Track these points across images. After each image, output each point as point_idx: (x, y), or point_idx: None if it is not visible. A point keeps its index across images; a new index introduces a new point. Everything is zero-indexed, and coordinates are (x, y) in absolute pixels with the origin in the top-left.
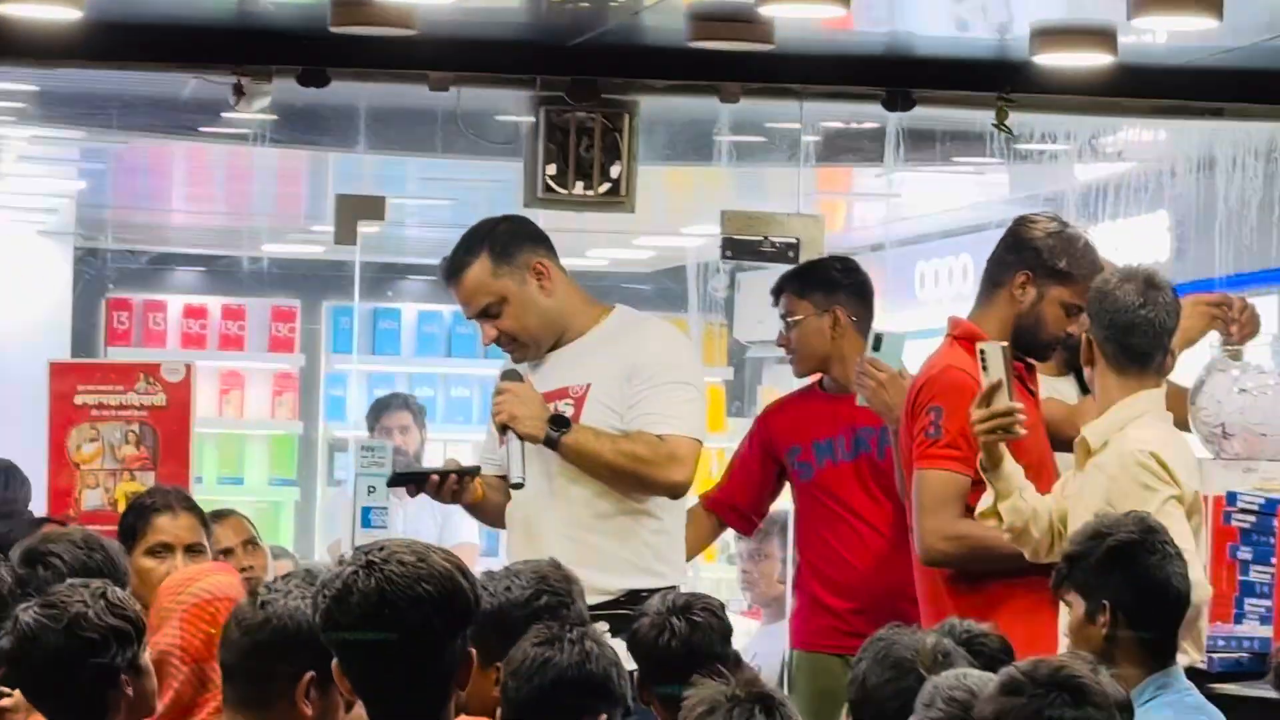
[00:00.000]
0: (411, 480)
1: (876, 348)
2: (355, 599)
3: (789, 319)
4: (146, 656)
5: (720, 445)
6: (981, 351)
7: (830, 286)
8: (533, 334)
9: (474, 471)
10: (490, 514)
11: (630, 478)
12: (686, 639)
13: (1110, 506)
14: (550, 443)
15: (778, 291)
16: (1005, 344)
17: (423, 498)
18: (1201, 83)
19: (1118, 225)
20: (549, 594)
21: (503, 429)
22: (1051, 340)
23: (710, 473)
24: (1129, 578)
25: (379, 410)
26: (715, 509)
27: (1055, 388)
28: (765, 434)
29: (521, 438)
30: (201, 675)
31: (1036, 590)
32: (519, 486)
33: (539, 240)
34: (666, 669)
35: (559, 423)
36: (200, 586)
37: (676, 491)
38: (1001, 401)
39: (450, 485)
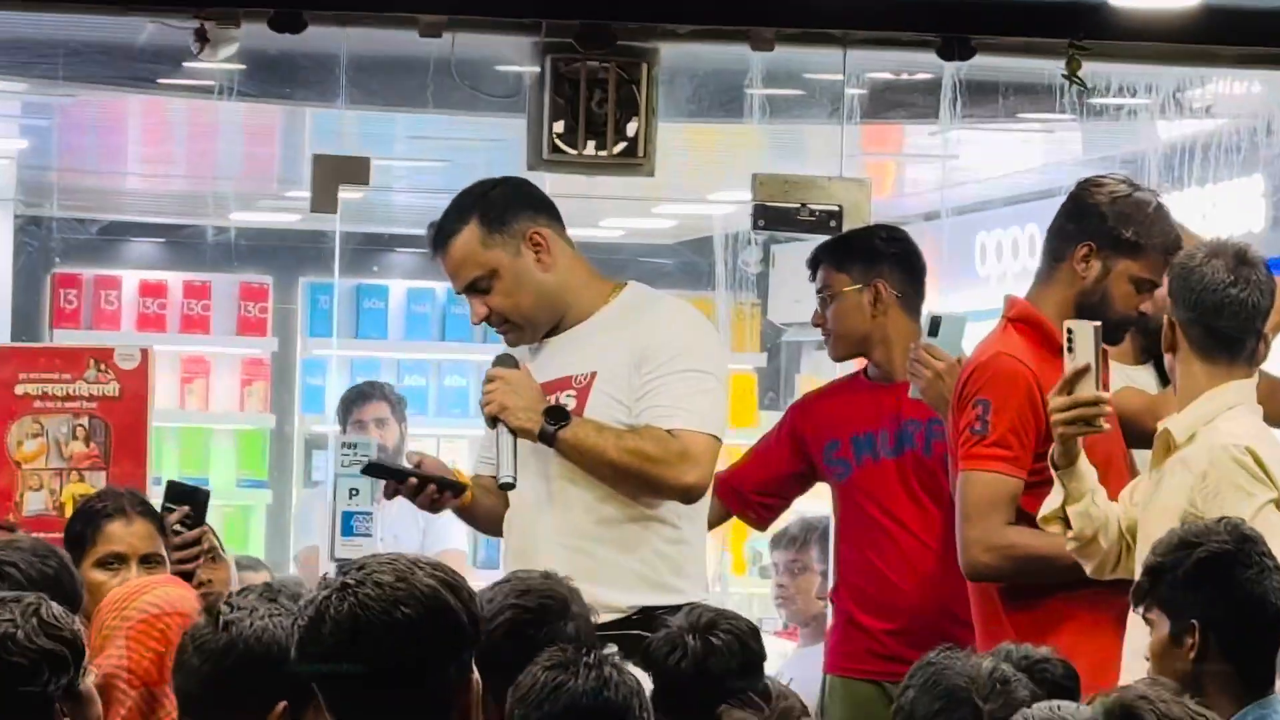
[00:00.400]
0: (390, 474)
1: (933, 332)
2: (328, 627)
3: (824, 294)
4: (89, 682)
5: (751, 442)
6: (1069, 330)
7: (872, 257)
8: (526, 314)
9: (457, 490)
10: (484, 519)
11: (636, 479)
12: (700, 662)
13: (1194, 509)
14: (545, 438)
15: (814, 263)
16: (1098, 324)
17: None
18: None
19: (1206, 191)
20: (515, 610)
21: (493, 421)
22: (1121, 320)
23: None
24: (1221, 594)
25: (351, 401)
26: (719, 492)
27: (1130, 376)
28: (798, 424)
29: (513, 432)
30: (151, 700)
31: (1100, 606)
32: (509, 486)
33: (539, 206)
34: (676, 693)
35: (556, 415)
36: (147, 600)
37: (689, 495)
38: (1087, 389)
39: (430, 493)
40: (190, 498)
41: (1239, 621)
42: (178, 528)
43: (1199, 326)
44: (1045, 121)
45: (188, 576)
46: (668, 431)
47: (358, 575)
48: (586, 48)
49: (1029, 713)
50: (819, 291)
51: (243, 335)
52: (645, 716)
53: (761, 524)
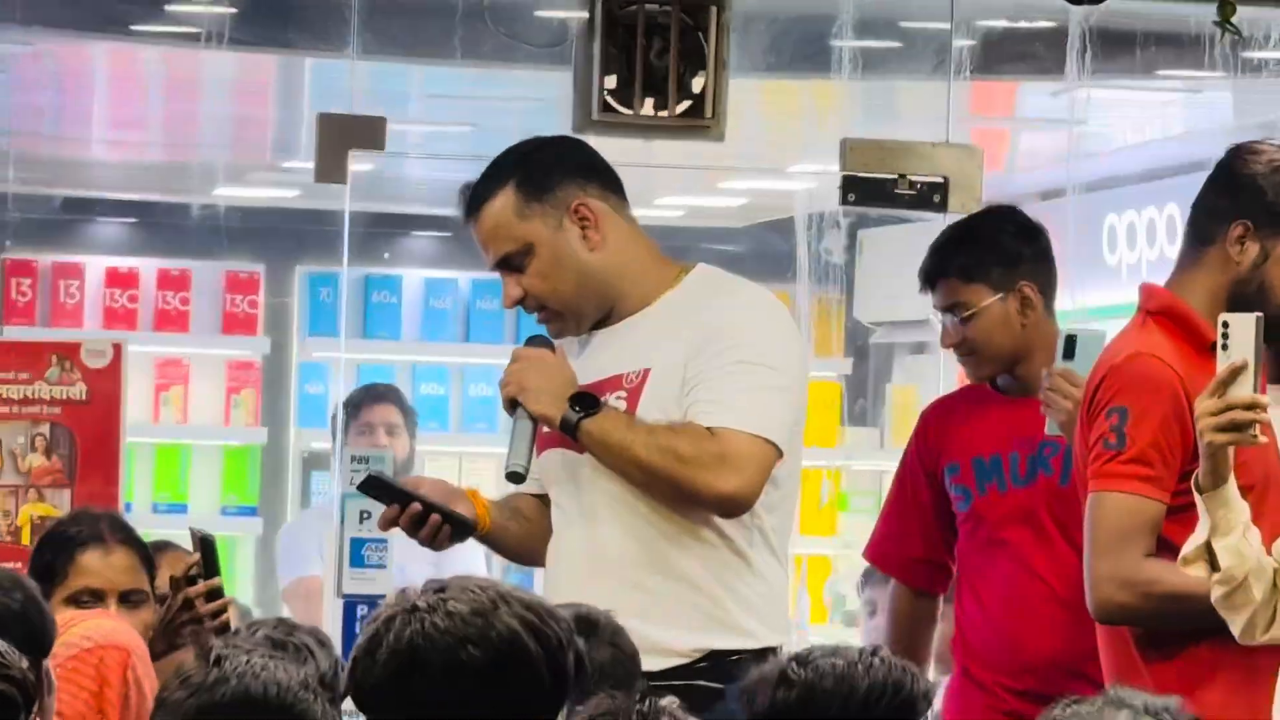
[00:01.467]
0: (390, 495)
1: (1069, 354)
2: (382, 655)
3: (962, 313)
4: None
5: (835, 463)
6: (1224, 325)
7: (1008, 257)
8: (566, 299)
9: (464, 531)
10: (515, 547)
11: (666, 482)
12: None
13: None
14: (567, 427)
15: (930, 278)
16: (1259, 315)
17: None
18: None
19: None
20: None
21: (512, 406)
22: None
23: (820, 498)
24: None
25: (359, 402)
26: (892, 571)
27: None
28: (921, 447)
29: (532, 417)
30: None
31: (1259, 656)
32: (517, 478)
33: (591, 174)
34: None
35: (585, 404)
36: (79, 633)
37: (726, 507)
38: (1243, 390)
39: (433, 525)
40: (204, 547)
41: None
42: (193, 574)
43: None
44: (1191, 80)
45: (223, 627)
46: (707, 429)
47: (432, 599)
48: None
49: None
50: (948, 310)
51: (229, 334)
52: None
53: (948, 584)
